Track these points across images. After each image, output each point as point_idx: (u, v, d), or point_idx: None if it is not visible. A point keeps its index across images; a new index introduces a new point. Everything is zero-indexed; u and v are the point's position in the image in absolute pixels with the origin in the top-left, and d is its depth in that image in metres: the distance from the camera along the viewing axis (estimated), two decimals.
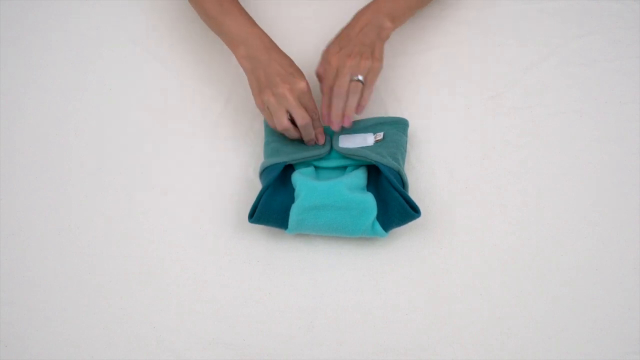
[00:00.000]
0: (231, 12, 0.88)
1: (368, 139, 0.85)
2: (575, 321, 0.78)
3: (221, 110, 0.94)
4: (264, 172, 0.83)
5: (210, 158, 0.90)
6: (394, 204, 0.80)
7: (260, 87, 0.84)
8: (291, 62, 0.86)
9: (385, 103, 0.94)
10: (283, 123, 0.83)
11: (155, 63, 0.97)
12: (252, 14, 0.91)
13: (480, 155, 0.89)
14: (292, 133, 0.85)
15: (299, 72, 0.85)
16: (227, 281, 0.81)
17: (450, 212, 0.85)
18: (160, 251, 0.83)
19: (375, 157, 0.81)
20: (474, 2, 1.02)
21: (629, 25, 0.98)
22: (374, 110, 0.92)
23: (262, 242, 0.84)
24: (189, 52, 0.99)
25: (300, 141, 0.86)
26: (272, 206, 0.80)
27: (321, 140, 0.86)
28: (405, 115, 0.91)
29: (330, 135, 0.87)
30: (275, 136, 0.86)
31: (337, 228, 0.79)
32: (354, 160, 0.84)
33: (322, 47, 0.97)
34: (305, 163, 0.85)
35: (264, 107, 0.84)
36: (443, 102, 0.93)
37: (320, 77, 0.88)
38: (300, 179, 0.81)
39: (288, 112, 0.83)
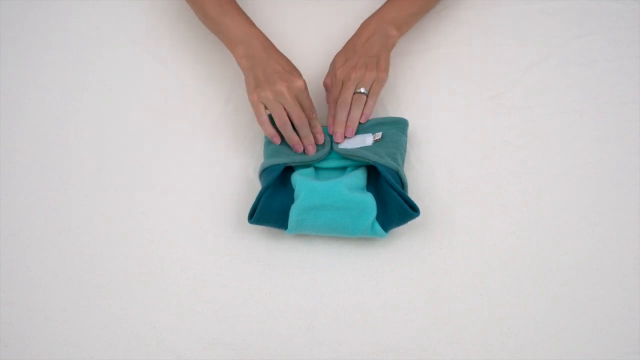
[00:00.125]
0: (230, 13, 0.89)
1: (367, 140, 0.85)
2: (575, 321, 0.78)
3: (221, 110, 0.94)
4: (264, 172, 0.83)
5: (210, 158, 0.90)
6: (393, 204, 0.79)
7: (258, 83, 0.84)
8: (289, 62, 0.87)
9: (385, 103, 0.94)
10: (282, 117, 0.83)
11: (155, 63, 0.97)
12: (249, 15, 0.91)
13: (480, 155, 0.89)
14: (289, 132, 0.85)
15: (296, 71, 0.86)
16: (227, 281, 0.81)
17: (450, 212, 0.85)
18: (160, 251, 0.83)
19: (373, 158, 0.82)
20: (474, 2, 1.02)
21: (629, 25, 0.98)
22: (374, 110, 0.92)
23: (262, 242, 0.84)
24: (189, 52, 0.99)
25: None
26: (272, 207, 0.80)
27: (320, 140, 0.86)
28: (405, 115, 0.91)
29: (330, 137, 0.87)
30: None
31: (336, 228, 0.79)
32: (353, 160, 0.84)
33: (320, 47, 0.97)
34: (305, 164, 0.85)
35: (258, 103, 0.84)
36: (443, 102, 0.93)
37: (327, 88, 0.89)
38: (300, 179, 0.81)
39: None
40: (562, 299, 0.79)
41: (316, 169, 0.86)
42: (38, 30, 1.00)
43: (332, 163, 0.85)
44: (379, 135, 0.85)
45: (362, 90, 0.86)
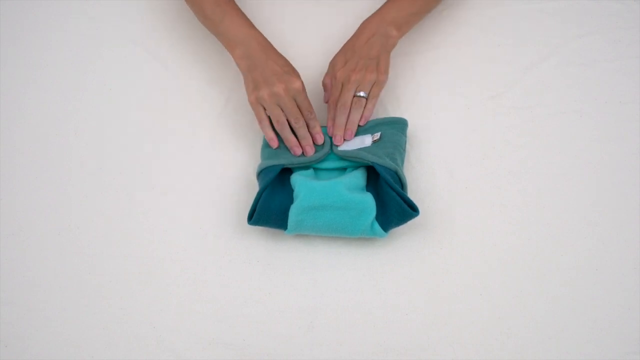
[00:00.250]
0: (228, 13, 0.89)
1: (366, 140, 0.85)
2: (575, 321, 0.78)
3: (221, 110, 0.94)
4: (261, 173, 0.83)
5: (210, 158, 0.90)
6: (392, 204, 0.79)
7: (256, 84, 0.84)
8: (287, 62, 0.87)
9: (385, 103, 0.94)
10: (279, 119, 0.84)
11: (155, 63, 0.97)
12: (248, 15, 0.91)
13: (480, 155, 0.89)
14: (287, 134, 0.85)
15: (294, 72, 0.86)
16: (227, 281, 0.81)
17: (450, 212, 0.85)
18: (160, 251, 0.83)
19: (371, 158, 0.82)
20: (474, 2, 1.02)
21: (629, 25, 0.98)
22: (374, 110, 0.92)
23: (262, 242, 0.84)
24: (189, 52, 0.99)
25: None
26: (271, 207, 0.80)
27: (319, 141, 0.86)
28: (405, 115, 0.91)
29: (330, 138, 0.86)
30: None
31: (336, 228, 0.79)
32: (352, 162, 0.84)
33: (320, 47, 0.97)
34: (304, 166, 0.85)
35: (257, 104, 0.85)
36: (443, 102, 0.93)
37: (326, 87, 0.89)
38: (299, 179, 0.81)
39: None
40: (562, 299, 0.79)
41: (315, 169, 0.86)
42: (38, 30, 1.00)
43: (331, 164, 0.85)
44: (377, 135, 0.85)
45: (362, 94, 0.86)
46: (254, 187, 0.85)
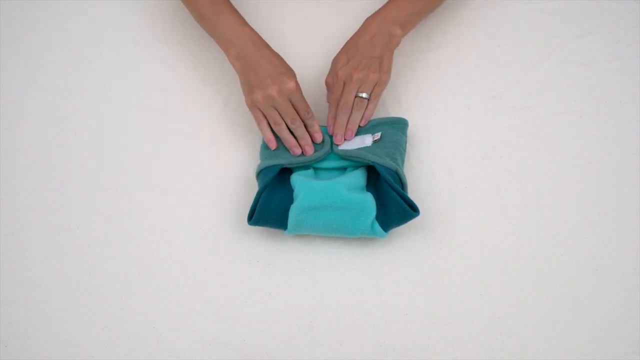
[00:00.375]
0: (223, 12, 0.88)
1: (366, 140, 0.85)
2: (575, 321, 0.78)
3: (221, 110, 0.94)
4: (261, 173, 0.83)
5: (210, 158, 0.90)
6: (392, 204, 0.79)
7: (251, 87, 0.84)
8: (281, 61, 0.86)
9: (386, 103, 0.94)
10: (276, 121, 0.84)
11: (155, 63, 0.97)
12: (248, 14, 0.90)
13: (480, 155, 0.89)
14: (285, 135, 0.84)
15: (288, 71, 0.85)
16: (227, 281, 0.81)
17: (450, 212, 0.85)
18: (160, 251, 0.83)
19: (372, 158, 0.81)
20: (474, 2, 1.02)
21: (629, 25, 0.98)
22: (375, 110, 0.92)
23: (262, 242, 0.84)
24: (189, 52, 0.99)
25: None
26: (271, 207, 0.80)
27: (318, 139, 0.86)
28: (405, 115, 0.91)
29: (330, 137, 0.86)
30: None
31: (336, 228, 0.79)
32: (352, 161, 0.84)
33: (319, 47, 0.97)
34: (304, 166, 0.85)
35: (253, 108, 0.85)
36: (443, 102, 0.93)
37: (329, 86, 0.88)
38: (299, 179, 0.81)
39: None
40: (562, 299, 0.79)
41: (315, 169, 0.86)
42: (38, 30, 1.00)
43: (332, 163, 0.85)
44: (378, 135, 0.85)
45: (364, 95, 0.85)
46: (254, 187, 0.85)
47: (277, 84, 0.83)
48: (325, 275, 0.81)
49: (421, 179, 0.87)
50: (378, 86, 0.86)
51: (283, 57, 0.87)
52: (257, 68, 0.84)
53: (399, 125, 0.87)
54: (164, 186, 0.88)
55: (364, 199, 0.79)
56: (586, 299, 0.79)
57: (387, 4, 0.90)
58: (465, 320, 0.78)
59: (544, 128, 0.91)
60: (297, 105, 0.84)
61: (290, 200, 0.80)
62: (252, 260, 0.83)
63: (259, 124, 0.85)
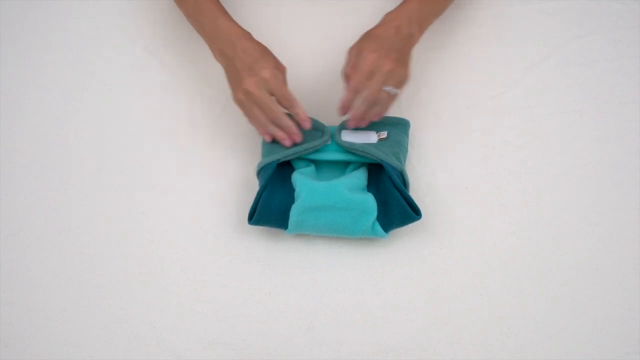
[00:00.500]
0: (205, 9, 0.85)
1: (371, 137, 0.85)
2: (575, 321, 0.78)
3: (221, 110, 0.94)
4: (261, 171, 0.83)
5: (210, 158, 0.90)
6: (394, 205, 0.79)
7: (232, 84, 0.82)
8: (257, 48, 0.81)
9: None
10: (256, 118, 0.81)
11: (155, 63, 0.97)
12: (244, 14, 0.90)
13: (480, 155, 0.89)
14: (271, 129, 0.81)
15: (265, 57, 0.80)
16: (227, 281, 0.81)
17: (450, 212, 0.85)
18: (160, 251, 0.83)
19: (380, 156, 0.81)
20: (473, 2, 1.02)
21: (629, 25, 0.98)
22: None
23: (262, 242, 0.84)
24: (189, 52, 0.99)
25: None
26: (271, 207, 0.80)
27: (305, 126, 0.81)
28: (405, 115, 0.91)
29: (332, 129, 0.86)
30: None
31: (337, 229, 0.79)
32: (355, 156, 0.84)
33: (318, 47, 0.97)
34: (305, 161, 0.85)
35: (239, 105, 0.82)
36: (443, 102, 0.93)
37: (348, 77, 0.82)
38: (300, 179, 0.81)
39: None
40: (562, 299, 0.79)
41: (316, 163, 0.85)
42: (38, 30, 1.00)
43: (334, 155, 0.84)
44: (384, 134, 0.85)
45: (392, 90, 0.80)
46: (254, 187, 0.85)
47: (252, 75, 0.79)
48: (325, 275, 0.81)
49: (421, 179, 0.87)
50: (402, 84, 0.82)
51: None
52: (235, 62, 0.81)
53: (401, 126, 0.87)
54: (164, 186, 0.88)
55: (365, 199, 0.79)
56: (586, 299, 0.79)
57: (405, 2, 0.86)
58: (465, 320, 0.78)
59: (544, 128, 0.91)
60: (277, 95, 0.79)
61: (291, 199, 0.80)
62: (252, 260, 0.83)
63: (249, 120, 0.83)
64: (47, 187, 0.88)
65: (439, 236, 0.83)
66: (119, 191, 0.88)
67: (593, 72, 0.95)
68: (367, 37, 0.82)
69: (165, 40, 1.00)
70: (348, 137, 0.84)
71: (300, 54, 0.96)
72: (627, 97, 0.93)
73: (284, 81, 0.81)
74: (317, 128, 0.85)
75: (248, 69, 0.79)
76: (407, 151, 0.86)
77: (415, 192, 0.85)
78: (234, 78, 0.81)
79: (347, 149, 0.83)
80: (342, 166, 0.86)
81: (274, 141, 0.84)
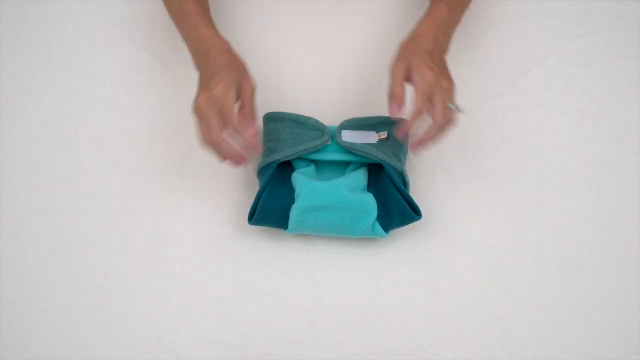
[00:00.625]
0: (190, 14, 0.83)
1: (371, 137, 0.85)
2: (575, 321, 0.78)
3: None
4: (261, 171, 0.83)
5: (210, 158, 0.90)
6: (394, 205, 0.79)
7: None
8: (226, 61, 0.77)
9: (386, 102, 0.93)
10: (201, 137, 0.75)
11: (155, 63, 0.97)
12: (243, 13, 0.90)
13: (480, 155, 0.89)
14: (223, 148, 0.75)
15: (225, 72, 0.75)
16: (227, 281, 0.81)
17: (451, 212, 0.85)
18: (160, 251, 0.83)
19: (381, 156, 0.81)
20: (473, 2, 1.02)
21: (629, 25, 0.98)
22: (376, 109, 0.92)
23: (262, 242, 0.84)
24: (189, 52, 0.98)
25: (295, 140, 0.85)
26: (272, 207, 0.80)
27: (253, 152, 0.75)
28: (405, 116, 0.91)
29: (332, 129, 0.86)
30: (272, 135, 0.86)
31: (337, 229, 0.79)
32: (356, 156, 0.84)
33: (315, 46, 0.96)
34: (305, 161, 0.85)
35: (193, 117, 0.76)
36: None
37: (396, 97, 0.76)
38: (300, 179, 0.81)
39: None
40: (562, 299, 0.79)
41: (316, 163, 0.85)
42: (38, 30, 1.00)
43: (334, 156, 0.84)
44: (384, 134, 0.85)
45: (456, 107, 0.77)
46: (254, 187, 0.85)
47: (205, 90, 0.74)
48: (325, 275, 0.81)
49: (421, 179, 0.87)
50: (455, 97, 0.78)
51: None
52: (201, 72, 0.78)
53: None
54: (164, 186, 0.88)
55: (365, 199, 0.79)
56: (586, 299, 0.79)
57: (435, 9, 0.83)
58: (465, 320, 0.78)
59: (544, 128, 0.91)
60: (223, 114, 0.73)
61: (291, 199, 0.80)
62: (252, 260, 0.83)
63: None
64: (47, 187, 0.88)
65: (439, 236, 0.84)
66: (119, 191, 0.88)
67: (593, 72, 0.95)
68: (414, 53, 0.77)
69: (165, 40, 1.00)
70: (348, 137, 0.84)
71: (301, 53, 0.96)
72: (627, 97, 0.93)
73: (235, 100, 0.75)
74: (317, 128, 0.85)
75: (205, 83, 0.76)
76: (407, 151, 0.86)
77: (415, 192, 0.85)
78: (198, 90, 0.78)
79: (347, 149, 0.83)
80: (342, 166, 0.86)
81: (274, 141, 0.85)
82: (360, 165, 0.84)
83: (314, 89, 0.94)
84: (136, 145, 0.91)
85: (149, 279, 0.81)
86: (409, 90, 0.77)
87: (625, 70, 0.95)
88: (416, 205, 0.80)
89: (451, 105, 0.77)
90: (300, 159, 0.85)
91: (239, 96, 0.76)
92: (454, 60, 0.96)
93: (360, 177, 0.82)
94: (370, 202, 0.79)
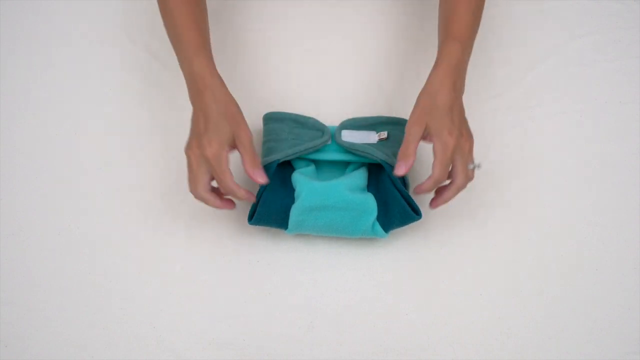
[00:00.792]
0: (182, 49, 0.80)
1: (371, 137, 0.85)
2: (575, 321, 0.78)
3: None
4: None
5: None
6: (395, 205, 0.79)
7: (187, 141, 0.77)
8: (217, 110, 0.75)
9: (386, 103, 0.94)
10: (190, 185, 0.76)
11: (155, 63, 0.97)
12: (243, 13, 0.90)
13: (480, 155, 0.89)
14: (210, 202, 0.76)
15: (216, 129, 0.74)
16: (227, 281, 0.81)
17: (451, 212, 0.85)
18: (160, 251, 0.83)
19: (381, 156, 0.81)
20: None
21: (629, 25, 0.98)
22: (376, 109, 0.92)
23: (262, 242, 0.84)
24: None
25: (295, 140, 0.85)
26: (272, 207, 0.80)
27: (239, 196, 0.76)
28: (405, 116, 0.90)
29: (332, 129, 0.86)
30: (272, 135, 0.86)
31: (337, 229, 0.79)
32: (356, 156, 0.84)
33: (316, 45, 0.96)
34: (305, 161, 0.85)
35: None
36: None
37: (407, 159, 0.75)
38: (301, 179, 0.81)
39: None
40: (562, 299, 0.79)
41: (316, 162, 0.85)
42: (38, 30, 1.00)
43: (334, 156, 0.84)
44: (384, 134, 0.85)
45: (476, 166, 0.76)
46: (255, 187, 0.85)
47: (198, 146, 0.74)
48: (325, 275, 0.81)
49: (421, 179, 0.87)
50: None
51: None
52: (194, 116, 0.77)
53: (401, 126, 0.87)
54: (164, 186, 0.88)
55: (365, 199, 0.79)
56: (586, 299, 0.79)
57: (448, 48, 0.79)
58: (465, 320, 0.78)
59: (544, 128, 0.91)
60: (215, 178, 0.75)
61: (291, 199, 0.80)
62: (252, 260, 0.83)
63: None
64: (47, 187, 0.88)
65: (439, 236, 0.84)
66: (119, 191, 0.88)
67: (593, 72, 0.95)
68: (433, 114, 0.75)
69: (165, 40, 1.00)
70: (348, 137, 0.84)
71: (301, 53, 0.96)
72: (627, 97, 0.93)
73: (227, 159, 0.75)
74: (317, 128, 0.85)
75: (197, 137, 0.75)
76: None
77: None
78: (190, 135, 0.77)
79: (348, 149, 0.83)
80: (342, 166, 0.86)
81: (274, 141, 0.85)
82: (360, 165, 0.84)
83: (314, 89, 0.94)
84: (136, 145, 0.91)
85: (149, 279, 0.81)
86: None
87: (625, 70, 0.95)
88: (416, 206, 0.80)
89: (471, 166, 0.76)
90: (300, 158, 0.85)
91: (234, 146, 0.76)
92: None
93: (360, 177, 0.82)
94: (370, 202, 0.79)
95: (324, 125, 0.85)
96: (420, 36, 0.99)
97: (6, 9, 1.02)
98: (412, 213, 0.79)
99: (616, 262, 0.82)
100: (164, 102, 0.95)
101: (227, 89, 0.79)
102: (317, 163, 0.86)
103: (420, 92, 0.78)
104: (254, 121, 0.88)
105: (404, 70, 0.96)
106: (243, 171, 0.86)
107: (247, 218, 0.81)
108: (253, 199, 0.78)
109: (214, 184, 0.77)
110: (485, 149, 0.89)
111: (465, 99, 0.93)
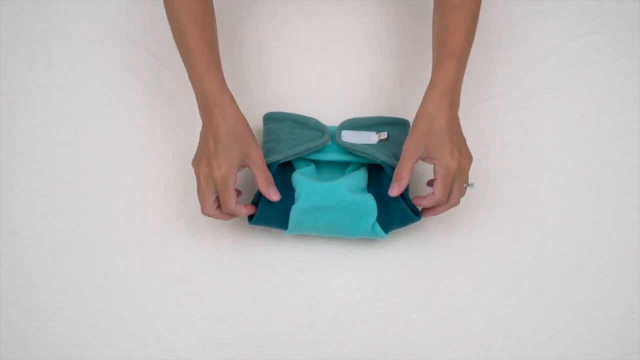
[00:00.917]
0: (192, 65, 0.79)
1: (371, 138, 0.85)
2: (575, 321, 0.78)
3: None
4: None
5: None
6: (394, 206, 0.79)
7: (195, 154, 0.78)
8: (227, 131, 0.76)
9: (386, 103, 0.94)
10: (201, 210, 0.78)
11: (155, 63, 0.97)
12: (244, 13, 0.90)
13: (480, 155, 0.89)
14: (217, 219, 0.79)
15: (226, 152, 0.75)
16: (227, 281, 0.81)
17: (451, 212, 0.85)
18: (160, 251, 0.83)
19: (381, 157, 0.81)
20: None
21: (629, 25, 0.98)
22: (376, 109, 0.92)
23: (262, 242, 0.84)
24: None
25: (295, 140, 0.85)
26: (272, 207, 0.80)
27: (239, 213, 0.78)
28: (405, 116, 0.91)
29: (332, 129, 0.86)
30: (272, 135, 0.86)
31: (337, 229, 0.79)
32: (356, 156, 0.84)
33: (316, 45, 0.96)
34: (305, 161, 0.85)
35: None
36: None
37: (401, 180, 0.76)
38: (301, 179, 0.81)
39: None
40: (562, 299, 0.79)
41: (317, 162, 0.85)
42: (38, 30, 1.00)
43: (334, 156, 0.84)
44: (384, 135, 0.85)
45: (471, 185, 0.78)
46: (254, 187, 0.85)
47: (207, 166, 0.75)
48: (325, 275, 0.81)
49: (421, 179, 0.87)
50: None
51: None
52: (203, 134, 0.77)
53: (402, 127, 0.87)
54: (164, 185, 0.88)
55: (365, 200, 0.79)
56: (586, 299, 0.79)
57: (443, 67, 0.79)
58: (465, 320, 0.78)
59: (544, 128, 0.91)
60: (220, 200, 0.76)
61: (291, 199, 0.80)
62: (252, 260, 0.83)
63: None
64: (47, 187, 0.88)
65: (439, 236, 0.84)
66: (119, 191, 0.88)
67: (593, 72, 0.95)
68: (431, 137, 0.75)
69: (165, 40, 1.00)
70: (348, 137, 0.84)
71: (301, 52, 0.96)
72: (627, 97, 0.93)
73: (235, 181, 0.76)
74: (317, 128, 0.85)
75: (207, 157, 0.76)
76: None
77: (415, 193, 0.85)
78: (198, 151, 0.78)
79: (348, 149, 0.83)
80: (342, 166, 0.86)
81: (274, 141, 0.85)
82: (360, 165, 0.84)
83: (314, 89, 0.94)
84: (136, 145, 0.91)
85: (149, 279, 0.81)
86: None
87: (625, 70, 0.95)
88: (416, 207, 0.80)
89: (466, 185, 0.77)
90: (300, 159, 0.85)
91: (244, 165, 0.77)
92: None
93: (360, 177, 0.82)
94: (370, 203, 0.79)
95: (324, 126, 0.85)
96: (420, 36, 0.99)
97: (6, 9, 1.02)
98: (411, 214, 0.79)
99: (616, 262, 0.82)
100: (164, 102, 0.95)
101: (237, 106, 0.79)
102: (317, 163, 0.86)
103: (417, 113, 0.78)
104: (254, 121, 0.88)
105: (404, 70, 0.96)
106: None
107: (247, 218, 0.81)
108: (254, 212, 0.79)
109: None
110: (485, 149, 0.89)
111: (465, 99, 0.93)
